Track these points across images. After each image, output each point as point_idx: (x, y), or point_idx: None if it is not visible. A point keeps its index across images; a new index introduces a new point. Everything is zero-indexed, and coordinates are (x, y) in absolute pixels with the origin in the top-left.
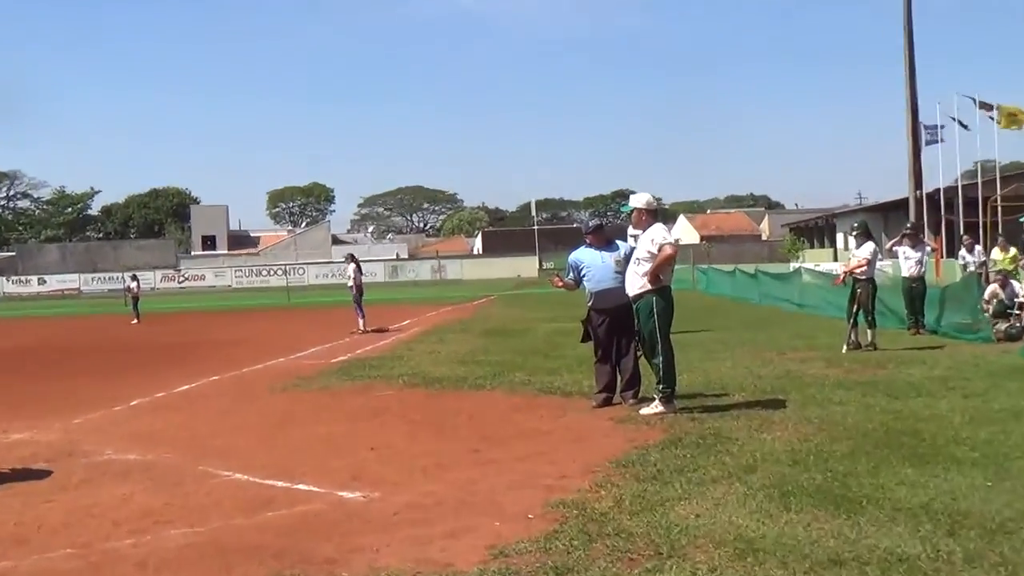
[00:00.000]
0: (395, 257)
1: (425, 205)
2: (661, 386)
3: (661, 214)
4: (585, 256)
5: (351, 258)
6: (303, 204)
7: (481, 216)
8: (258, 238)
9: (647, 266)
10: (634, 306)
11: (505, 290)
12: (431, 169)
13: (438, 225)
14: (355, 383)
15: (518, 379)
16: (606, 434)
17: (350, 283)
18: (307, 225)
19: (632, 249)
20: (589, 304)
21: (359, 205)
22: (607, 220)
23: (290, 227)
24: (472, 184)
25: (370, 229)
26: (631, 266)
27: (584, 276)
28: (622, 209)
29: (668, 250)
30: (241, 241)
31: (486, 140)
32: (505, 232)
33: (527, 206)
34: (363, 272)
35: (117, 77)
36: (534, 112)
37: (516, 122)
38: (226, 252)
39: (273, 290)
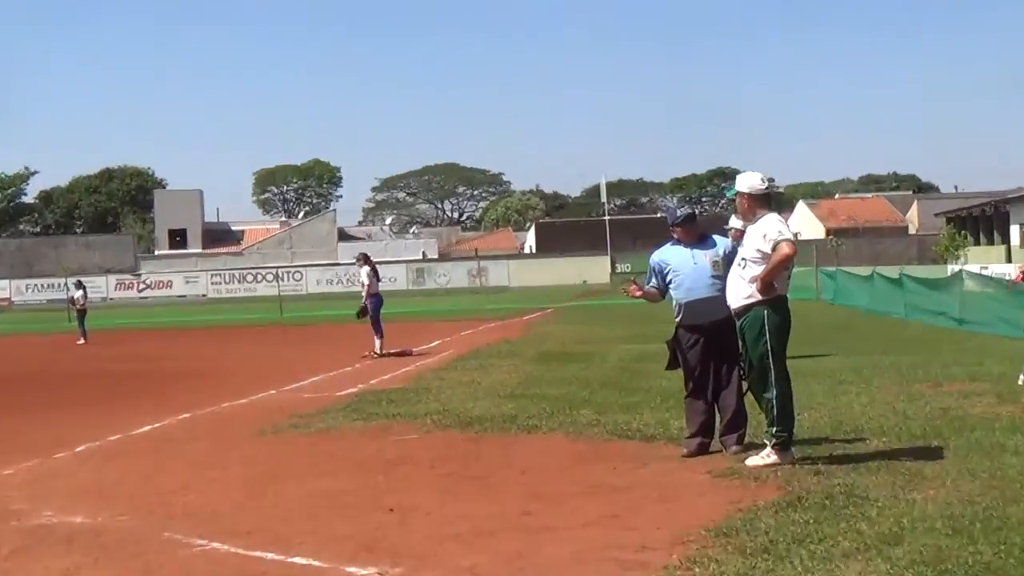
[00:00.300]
0: (421, 257)
1: (460, 189)
2: (774, 429)
3: (775, 200)
4: (672, 256)
5: (364, 259)
6: (300, 188)
7: (534, 203)
8: (242, 232)
9: (756, 269)
10: (738, 322)
11: (566, 300)
12: (468, 143)
13: (477, 215)
14: (368, 423)
15: (583, 419)
16: (701, 492)
17: (363, 292)
18: (306, 215)
19: (735, 247)
20: (677, 320)
21: (373, 189)
22: (701, 208)
23: (284, 218)
24: (522, 161)
25: (388, 221)
26: (734, 269)
27: (671, 283)
28: (726, 193)
29: (785, 249)
30: (220, 236)
31: (540, 103)
32: (566, 224)
33: (595, 189)
34: (380, 277)
35: (53, 18)
36: (602, 66)
37: (579, 80)
38: (200, 251)
39: (261, 301)
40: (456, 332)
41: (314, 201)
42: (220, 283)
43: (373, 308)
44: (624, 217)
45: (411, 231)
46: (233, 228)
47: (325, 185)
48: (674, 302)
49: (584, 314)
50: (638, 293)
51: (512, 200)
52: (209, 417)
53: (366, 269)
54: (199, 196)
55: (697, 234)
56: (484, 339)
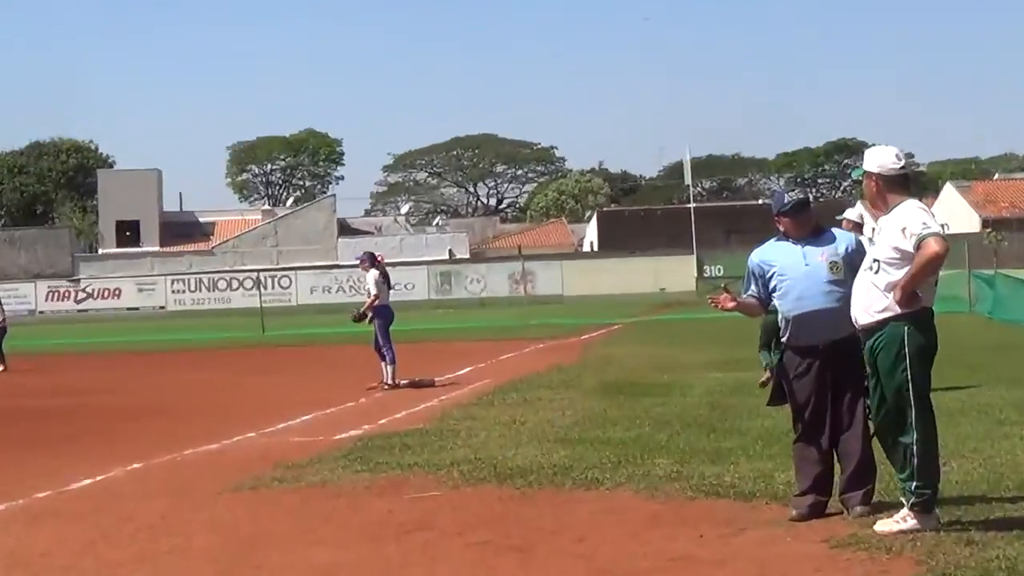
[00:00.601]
0: (447, 258)
1: (499, 168)
2: (913, 484)
3: (914, 183)
4: (777, 255)
5: (370, 260)
6: (289, 167)
7: (597, 186)
8: (212, 225)
9: (894, 274)
10: (867, 343)
11: (637, 314)
12: (510, 108)
13: (522, 202)
14: (376, 476)
15: (660, 470)
16: (816, 568)
17: (367, 302)
18: (296, 203)
19: (857, 245)
20: (784, 339)
21: (385, 169)
22: (816, 193)
23: (267, 206)
24: (581, 132)
25: (404, 209)
26: (863, 275)
27: (776, 290)
28: (851, 174)
29: (933, 247)
30: (184, 230)
31: (604, 57)
32: (638, 214)
33: (677, 168)
34: (391, 284)
35: None
36: (684, 5)
37: (652, 27)
38: (157, 249)
39: (238, 314)
40: (492, 356)
41: (307, 184)
42: (183, 291)
43: (381, 325)
44: (715, 204)
45: (434, 223)
46: (201, 219)
47: (322, 163)
48: (779, 316)
49: (662, 332)
50: (731, 304)
51: (567, 182)
52: (168, 467)
53: (374, 273)
54: (156, 178)
55: (810, 226)
56: (529, 365)
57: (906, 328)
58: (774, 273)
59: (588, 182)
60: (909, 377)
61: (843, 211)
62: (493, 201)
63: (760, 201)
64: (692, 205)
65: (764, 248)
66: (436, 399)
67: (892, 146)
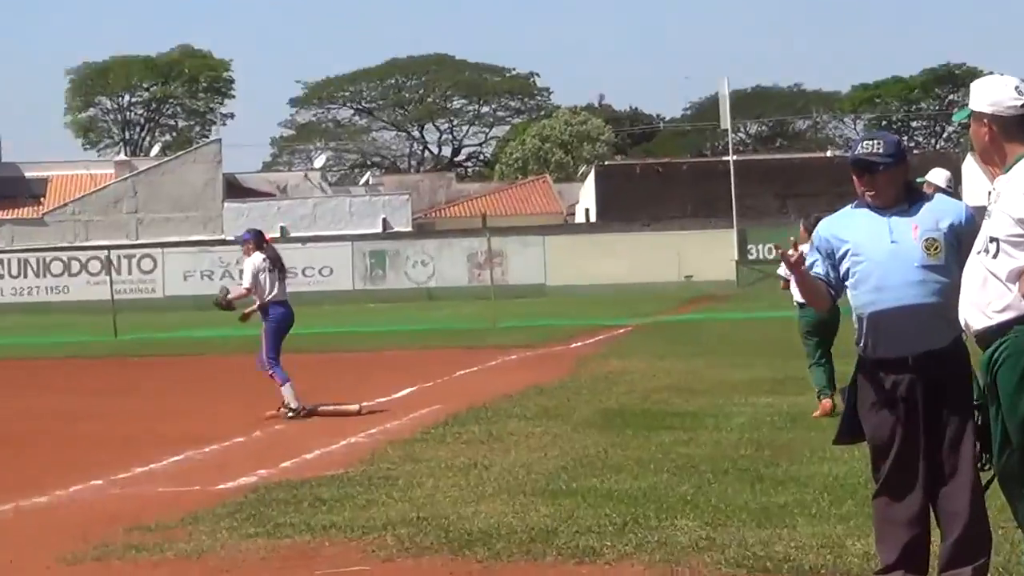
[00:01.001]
0: (381, 231)
1: (456, 103)
2: None
3: None
4: (852, 228)
5: (256, 241)
6: (155, 102)
7: (595, 129)
8: (43, 182)
9: (1020, 258)
10: (984, 357)
11: (654, 312)
12: (473, 22)
13: (489, 154)
14: (277, 543)
15: (683, 536)
16: None
17: (240, 295)
18: (165, 152)
19: (970, 219)
20: (860, 347)
21: (293, 104)
22: (908, 142)
23: (122, 155)
24: (573, 55)
25: (319, 161)
26: (975, 261)
27: (849, 277)
28: (954, 117)
29: None
30: (2, 190)
31: None
32: (654, 170)
33: (710, 106)
34: (286, 271)
35: None
36: None
37: None
38: None
39: (80, 310)
40: (445, 371)
41: (180, 126)
42: (2, 276)
43: (270, 330)
44: (764, 157)
45: (363, 181)
46: (27, 175)
47: (202, 96)
48: (853, 314)
49: (687, 338)
50: (798, 264)
51: (554, 124)
52: None
53: (255, 260)
54: None
55: (899, 188)
56: (497, 385)
57: None
58: (847, 252)
59: (583, 124)
60: None
61: (931, 170)
62: (447, 151)
63: (829, 152)
64: (732, 158)
65: (835, 217)
66: (362, 433)
67: (1012, 76)
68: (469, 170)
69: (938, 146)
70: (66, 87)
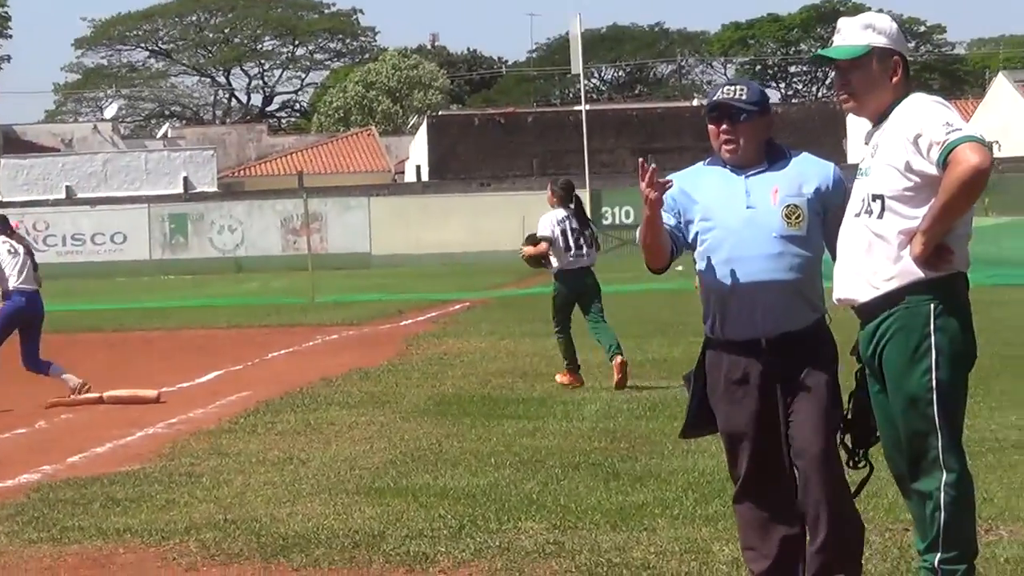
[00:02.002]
0: (182, 192)
1: (267, 44)
2: (937, 558)
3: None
4: (704, 188)
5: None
6: None
7: (427, 74)
8: None
9: (907, 217)
10: (868, 331)
11: (496, 284)
12: None
13: (306, 102)
14: (63, 549)
15: (527, 540)
16: None
17: None
18: None
19: (838, 181)
20: (707, 326)
21: (78, 45)
22: (785, 89)
23: None
24: None
25: (110, 111)
26: (854, 224)
27: (698, 243)
28: (820, 54)
29: (970, 158)
30: None
31: None
32: (494, 122)
33: (559, 48)
34: (31, 248)
35: None
36: None
37: None
38: None
39: None
40: (255, 353)
41: None
42: None
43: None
44: (622, 107)
45: (160, 134)
46: None
47: None
48: (700, 287)
49: (533, 314)
50: (653, 194)
51: (380, 68)
52: None
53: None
54: None
55: (759, 143)
56: (315, 368)
57: (932, 305)
58: (696, 215)
59: (414, 69)
60: (934, 385)
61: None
62: (257, 99)
63: (695, 102)
64: (584, 107)
65: (686, 173)
66: (161, 423)
67: (886, 13)
68: (283, 122)
69: (820, 94)
70: None
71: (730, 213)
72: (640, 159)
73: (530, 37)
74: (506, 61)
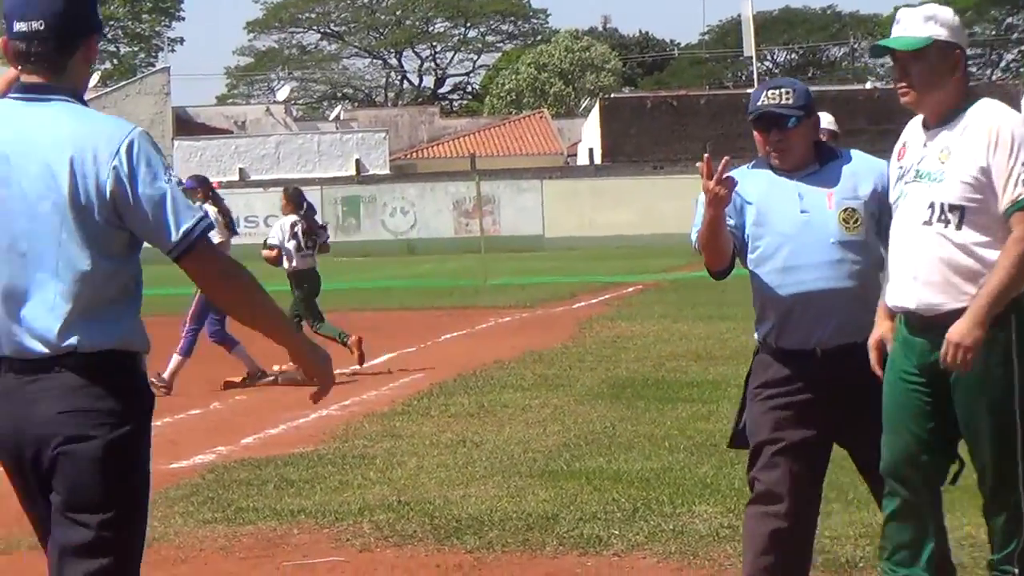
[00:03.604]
0: (355, 174)
1: (439, 27)
2: (1017, 570)
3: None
4: (752, 193)
5: (205, 188)
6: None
7: (600, 57)
8: None
9: (988, 227)
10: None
11: (669, 267)
12: None
13: (477, 85)
14: (238, 530)
15: (702, 524)
16: None
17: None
18: (104, 82)
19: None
20: (759, 333)
21: (250, 28)
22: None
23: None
24: None
25: (282, 94)
26: (927, 232)
27: (750, 248)
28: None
29: None
30: None
31: None
32: (668, 105)
33: (730, 30)
34: (235, 225)
35: None
36: None
37: None
38: None
39: None
40: (428, 335)
41: (122, 52)
42: None
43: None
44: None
45: (333, 116)
46: None
47: (146, 17)
48: (754, 294)
49: (707, 297)
50: (722, 191)
51: (552, 51)
52: None
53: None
54: None
55: (809, 145)
56: (488, 351)
57: (1014, 317)
58: (750, 218)
59: (586, 51)
60: (1017, 396)
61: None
62: (429, 81)
63: (869, 84)
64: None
65: (740, 172)
66: (335, 405)
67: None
68: (455, 104)
69: (994, 76)
70: None
71: (783, 218)
72: (706, 154)
73: (702, 19)
74: (678, 43)
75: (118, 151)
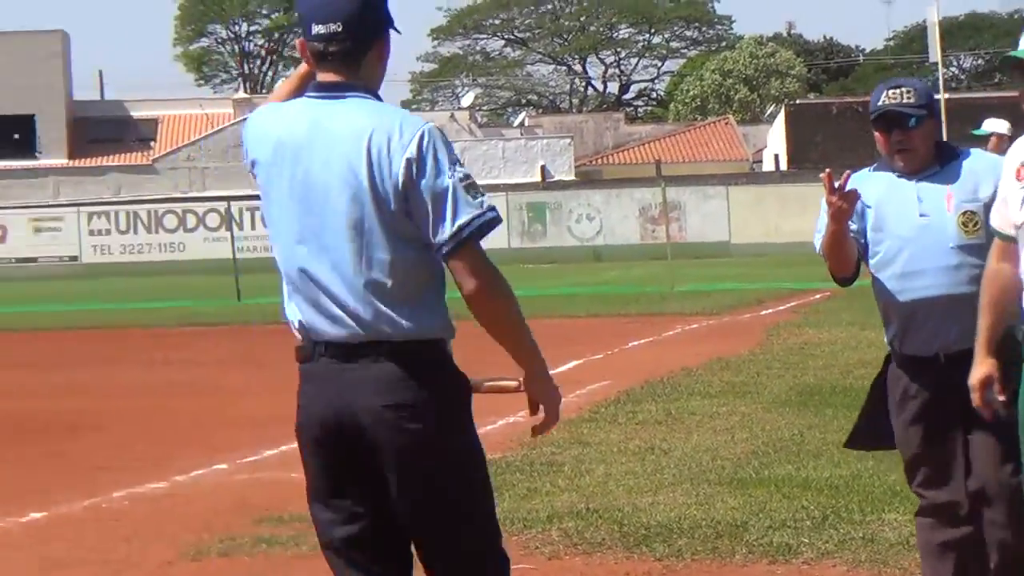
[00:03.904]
0: (539, 180)
1: (623, 33)
2: None
3: None
4: (872, 196)
5: None
6: (277, 31)
7: (785, 63)
8: (153, 122)
9: None
10: None
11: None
12: None
13: (662, 91)
14: None
15: (891, 532)
16: None
17: None
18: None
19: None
20: (888, 340)
21: (434, 34)
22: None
23: (241, 92)
24: None
25: (466, 100)
26: None
27: (870, 253)
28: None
29: None
30: (107, 132)
31: None
32: (853, 110)
33: (915, 35)
34: None
35: None
36: None
37: None
38: (64, 162)
39: (197, 269)
40: (615, 342)
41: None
42: (107, 232)
43: None
44: (983, 96)
45: (518, 123)
46: (135, 114)
47: None
48: (876, 299)
49: None
50: (845, 205)
51: (737, 57)
52: (85, 520)
53: None
54: (62, 44)
55: (930, 146)
56: (675, 358)
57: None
58: (869, 223)
59: (771, 57)
60: None
61: (987, 119)
62: (613, 87)
63: None
64: (943, 96)
65: (855, 178)
66: (522, 412)
67: None
68: (639, 110)
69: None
70: (175, 13)
71: (902, 222)
72: (827, 170)
73: (886, 24)
74: (863, 49)
75: (410, 142)
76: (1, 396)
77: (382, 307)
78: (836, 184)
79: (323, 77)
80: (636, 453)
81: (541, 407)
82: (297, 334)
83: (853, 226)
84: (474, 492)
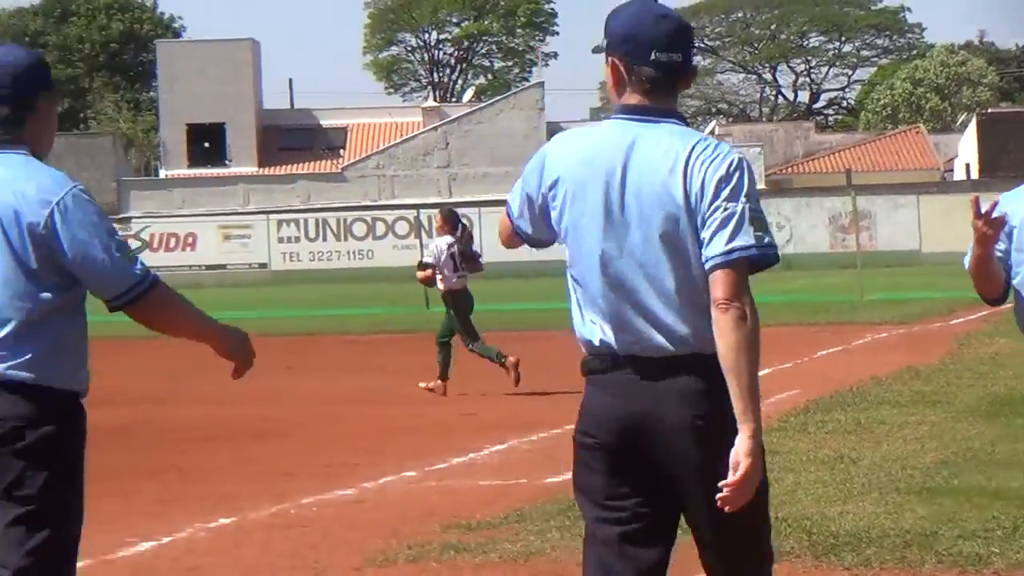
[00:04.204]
0: None
1: (814, 41)
2: None
3: None
4: (1018, 215)
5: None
6: (468, 39)
7: (976, 71)
8: (342, 131)
9: None
10: None
11: None
12: None
13: (852, 100)
14: None
15: None
16: None
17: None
18: (480, 97)
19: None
20: None
21: None
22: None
23: (430, 101)
24: None
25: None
26: None
27: (1013, 274)
28: None
29: None
30: (296, 140)
31: None
32: None
33: None
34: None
35: None
36: None
37: None
38: (255, 171)
39: (388, 277)
40: (804, 351)
41: (496, 67)
42: (296, 239)
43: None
44: None
45: (708, 131)
46: (324, 123)
47: (520, 32)
48: (1017, 318)
49: None
50: (989, 231)
51: (928, 66)
52: (274, 526)
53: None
54: (252, 53)
55: None
56: (865, 367)
57: None
58: (1012, 243)
59: (962, 65)
60: None
61: None
62: (804, 96)
63: None
64: None
65: (1012, 195)
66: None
67: None
68: (830, 119)
69: None
70: (365, 22)
71: None
72: (974, 195)
73: None
74: None
75: (722, 164)
76: (190, 403)
77: (696, 321)
78: (983, 210)
79: (639, 102)
80: (825, 462)
81: None
82: (587, 346)
83: (1000, 245)
84: (761, 494)
